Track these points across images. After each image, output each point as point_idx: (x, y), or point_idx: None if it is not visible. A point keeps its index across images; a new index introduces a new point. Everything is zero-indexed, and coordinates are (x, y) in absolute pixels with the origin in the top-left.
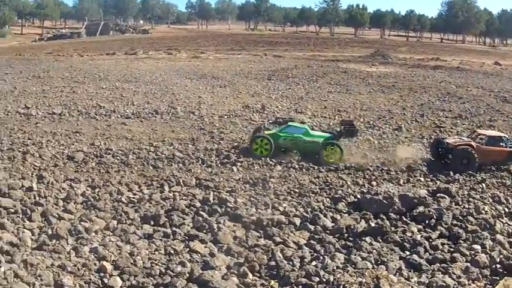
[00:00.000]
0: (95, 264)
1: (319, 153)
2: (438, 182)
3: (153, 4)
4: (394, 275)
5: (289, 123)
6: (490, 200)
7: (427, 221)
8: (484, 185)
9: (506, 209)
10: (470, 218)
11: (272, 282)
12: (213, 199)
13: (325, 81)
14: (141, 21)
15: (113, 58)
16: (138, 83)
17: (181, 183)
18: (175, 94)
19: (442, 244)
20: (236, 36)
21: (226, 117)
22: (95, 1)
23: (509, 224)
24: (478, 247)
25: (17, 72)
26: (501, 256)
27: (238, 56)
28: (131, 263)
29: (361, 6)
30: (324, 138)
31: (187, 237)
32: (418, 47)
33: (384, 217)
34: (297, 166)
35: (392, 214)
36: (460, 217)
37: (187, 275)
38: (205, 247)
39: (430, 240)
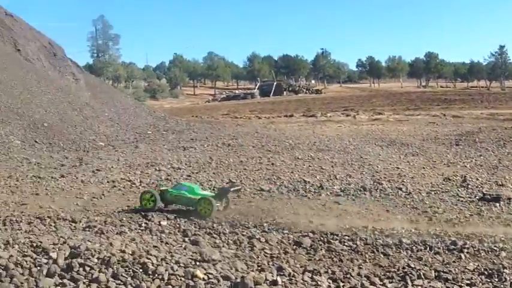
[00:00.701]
0: None
1: (196, 207)
2: None
3: (324, 63)
4: None
5: (181, 183)
6: None
7: None
8: None
9: None
10: None
11: None
12: None
13: None
14: (313, 81)
15: (293, 121)
16: (331, 152)
17: (422, 276)
18: (372, 165)
19: None
20: (409, 94)
21: (433, 193)
22: (265, 61)
23: None
24: None
25: (203, 138)
26: None
27: (418, 117)
28: None
29: None
30: (202, 196)
31: None
32: None
33: None
34: None
35: None
36: None
37: None
38: None
39: None
